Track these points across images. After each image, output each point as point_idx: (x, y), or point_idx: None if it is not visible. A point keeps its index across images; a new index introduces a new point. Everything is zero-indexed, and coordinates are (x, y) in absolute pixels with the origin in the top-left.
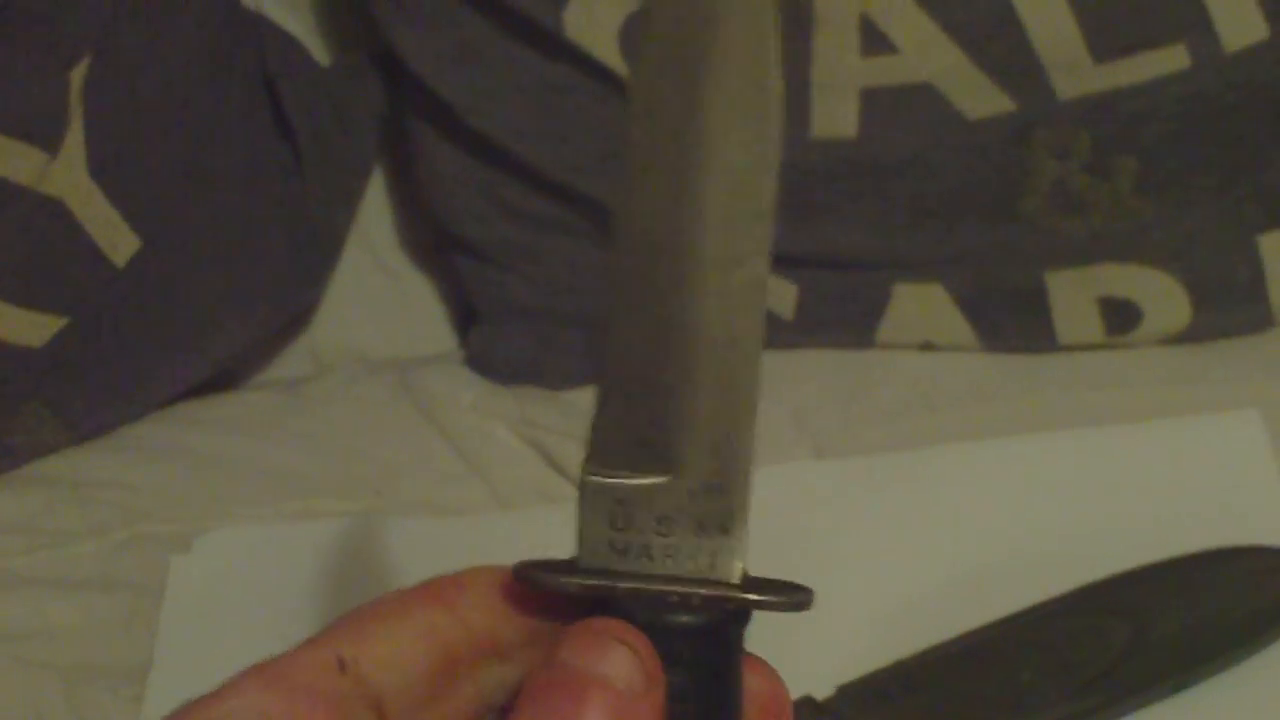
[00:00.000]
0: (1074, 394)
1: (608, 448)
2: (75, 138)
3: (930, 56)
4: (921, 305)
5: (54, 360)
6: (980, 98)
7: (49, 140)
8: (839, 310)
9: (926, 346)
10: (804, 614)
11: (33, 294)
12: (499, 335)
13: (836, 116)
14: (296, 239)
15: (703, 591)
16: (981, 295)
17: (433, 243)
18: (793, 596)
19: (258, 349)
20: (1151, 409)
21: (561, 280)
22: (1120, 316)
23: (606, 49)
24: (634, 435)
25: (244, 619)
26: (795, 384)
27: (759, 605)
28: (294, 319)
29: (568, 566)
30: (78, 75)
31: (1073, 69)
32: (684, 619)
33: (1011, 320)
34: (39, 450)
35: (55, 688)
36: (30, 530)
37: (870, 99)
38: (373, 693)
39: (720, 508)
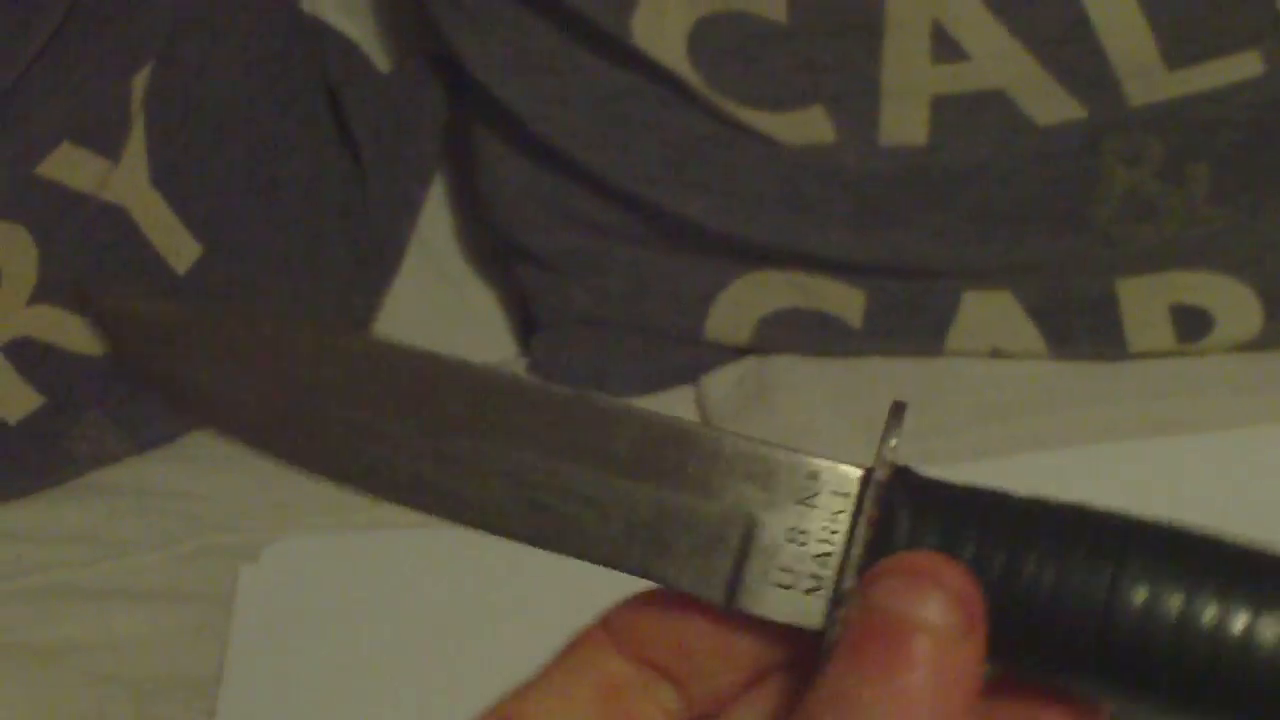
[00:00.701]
0: (1144, 403)
1: None
2: (137, 145)
3: (1001, 63)
4: (991, 313)
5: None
6: (1051, 105)
7: (111, 147)
8: (907, 318)
9: (996, 354)
10: None
11: None
12: (562, 343)
13: (906, 124)
14: (357, 246)
15: None
16: (1051, 303)
17: (494, 250)
18: None
19: None
20: (1223, 418)
21: (625, 288)
22: (1191, 324)
23: (675, 55)
24: None
25: (315, 629)
26: (864, 392)
27: None
28: (355, 325)
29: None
30: (140, 83)
31: (1145, 76)
32: None
33: (1082, 328)
34: (101, 459)
35: (124, 701)
36: (94, 541)
37: (940, 106)
38: None
39: None
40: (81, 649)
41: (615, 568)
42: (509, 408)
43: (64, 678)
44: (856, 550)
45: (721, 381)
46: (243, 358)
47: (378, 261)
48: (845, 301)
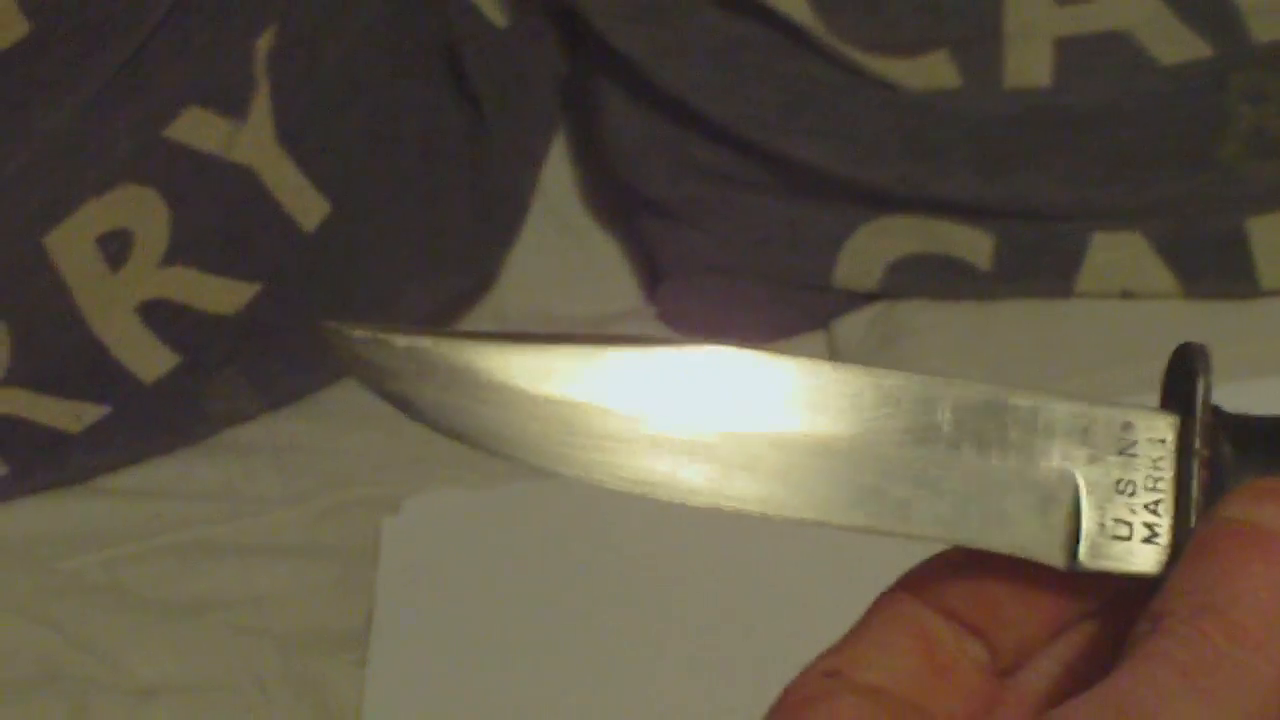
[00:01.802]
0: (1278, 339)
1: None
2: (262, 106)
3: (1125, 3)
4: (1120, 254)
5: (248, 327)
6: (1175, 44)
7: (237, 109)
8: (1036, 260)
9: (1126, 295)
10: None
11: (226, 262)
12: (688, 292)
13: (1030, 66)
14: (481, 202)
15: None
16: (1181, 242)
17: (616, 201)
18: None
19: (445, 311)
20: None
21: (750, 236)
22: None
23: (795, 3)
24: None
25: (460, 581)
26: (996, 335)
27: None
28: (480, 281)
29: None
30: (263, 44)
31: (1270, 12)
32: None
33: (1212, 266)
34: (235, 417)
35: (271, 654)
36: (231, 497)
37: (1064, 48)
38: (870, 687)
39: None
40: (224, 604)
41: (951, 542)
42: (804, 393)
43: (209, 632)
44: (1195, 491)
45: (852, 326)
46: (497, 382)
47: (501, 216)
48: (973, 245)
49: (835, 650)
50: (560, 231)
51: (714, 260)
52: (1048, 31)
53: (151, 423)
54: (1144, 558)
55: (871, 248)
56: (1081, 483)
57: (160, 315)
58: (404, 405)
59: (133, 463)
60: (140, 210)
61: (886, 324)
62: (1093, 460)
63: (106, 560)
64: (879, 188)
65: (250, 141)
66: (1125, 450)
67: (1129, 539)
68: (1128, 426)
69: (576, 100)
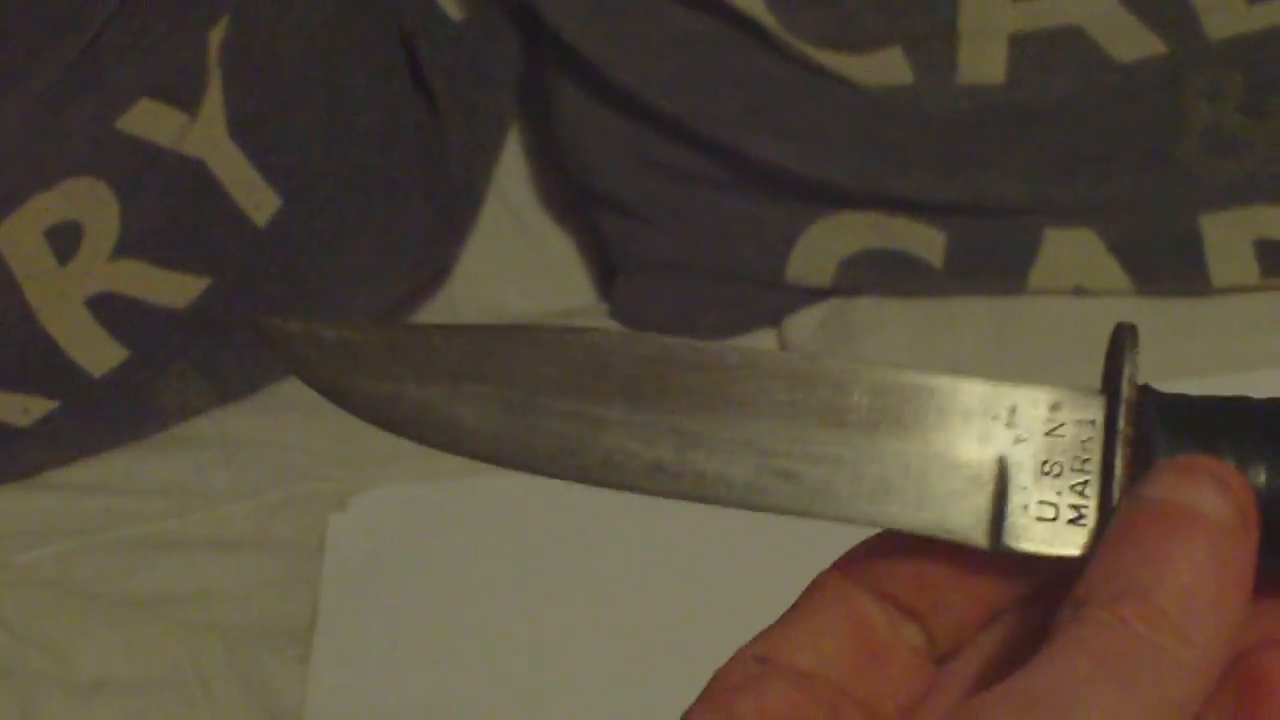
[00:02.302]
0: (1229, 338)
1: None
2: (214, 98)
3: (1080, 0)
4: (1073, 250)
5: (198, 321)
6: (1130, 41)
7: (189, 101)
8: (989, 257)
9: (1079, 292)
10: None
11: (176, 255)
12: (643, 289)
13: (985, 62)
14: (435, 196)
15: None
16: (1134, 239)
17: (571, 198)
18: None
19: (399, 306)
20: None
21: (705, 233)
22: (1276, 258)
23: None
24: None
25: (406, 576)
26: (948, 331)
27: None
28: (434, 276)
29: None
30: (216, 36)
31: (1225, 10)
32: None
33: (1165, 264)
34: (186, 411)
35: (217, 650)
36: (182, 492)
37: (1019, 44)
38: (800, 672)
39: None
40: (173, 599)
41: (873, 525)
42: (742, 380)
43: (157, 627)
44: (1119, 470)
45: (804, 323)
46: (450, 372)
47: (456, 211)
48: (927, 242)
49: (766, 635)
50: (515, 227)
51: (668, 256)
52: (1002, 28)
53: (101, 417)
54: (1069, 539)
55: (825, 244)
56: (1005, 464)
57: (110, 309)
58: (336, 397)
59: (82, 457)
60: (90, 203)
61: (839, 321)
62: (1018, 441)
63: (56, 554)
64: (834, 184)
65: (202, 134)
66: (1053, 431)
67: (1054, 520)
68: (1056, 407)
69: (532, 95)
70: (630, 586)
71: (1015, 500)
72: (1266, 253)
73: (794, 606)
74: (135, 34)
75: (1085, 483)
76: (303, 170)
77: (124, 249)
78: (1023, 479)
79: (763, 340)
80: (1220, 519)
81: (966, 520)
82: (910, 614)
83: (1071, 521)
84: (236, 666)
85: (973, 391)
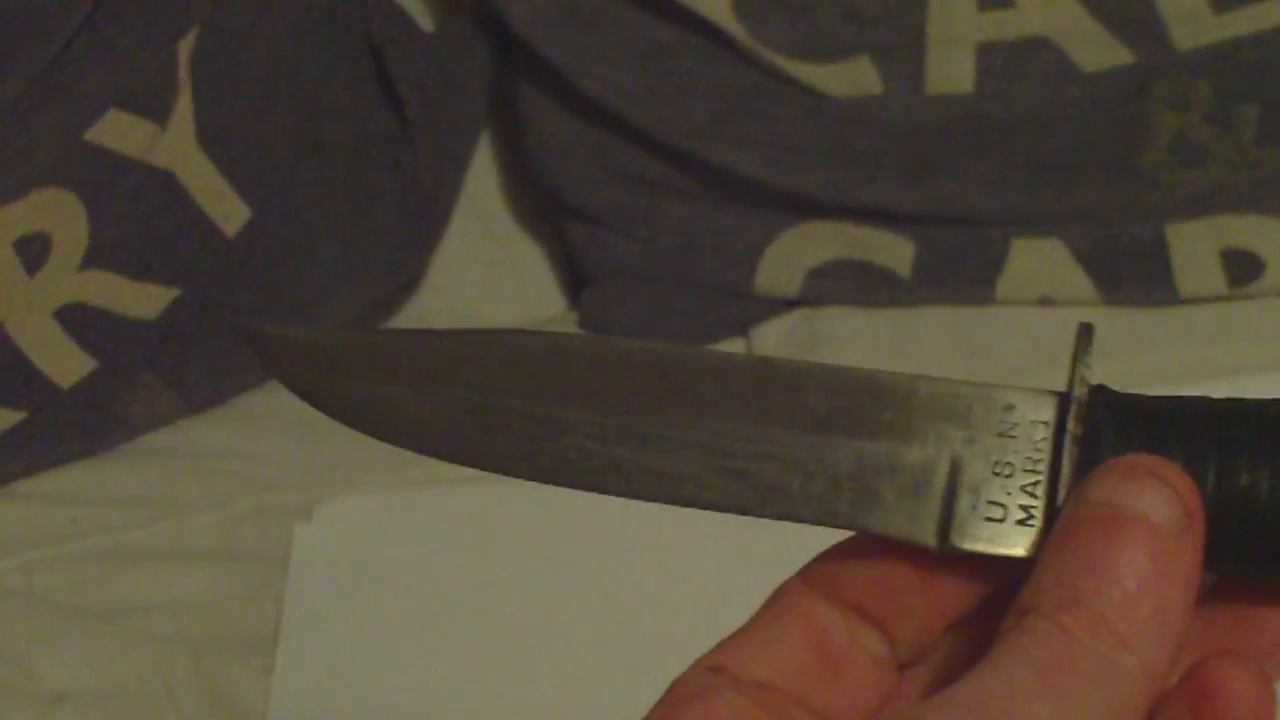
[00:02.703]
0: (1195, 348)
1: None
2: (184, 109)
3: (1047, 10)
4: (1040, 260)
5: (167, 331)
6: (1098, 51)
7: (158, 112)
8: (957, 266)
9: (1045, 301)
10: None
11: (144, 266)
12: (611, 299)
13: (952, 72)
14: (405, 206)
15: None
16: (1101, 249)
17: (541, 207)
18: None
19: (368, 315)
20: (1275, 361)
21: (673, 243)
22: (1242, 268)
23: (719, 8)
24: None
25: (370, 587)
26: (916, 341)
27: None
28: (404, 285)
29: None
30: (185, 47)
31: (1192, 19)
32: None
33: (1132, 274)
34: (154, 422)
35: (183, 660)
36: (149, 503)
37: (987, 54)
38: (755, 682)
39: None
40: (139, 610)
41: (823, 524)
42: (695, 380)
43: (123, 638)
44: (1066, 470)
45: (771, 334)
46: (419, 374)
47: (425, 220)
48: (894, 252)
49: (724, 644)
50: (484, 236)
51: (636, 266)
52: (970, 37)
53: (68, 428)
54: (1017, 540)
55: (792, 254)
56: (957, 464)
57: (78, 319)
58: (312, 398)
59: (49, 467)
60: (59, 214)
61: (806, 331)
62: (970, 441)
63: (22, 565)
64: (803, 194)
65: (171, 145)
66: (1005, 432)
67: (1003, 521)
68: (1009, 408)
69: (502, 104)
70: (598, 594)
71: (964, 500)
72: (1233, 262)
73: (755, 615)
74: (104, 45)
75: (1036, 483)
76: (272, 180)
77: (92, 260)
78: (973, 479)
79: (731, 349)
80: (1163, 522)
81: (915, 520)
82: (872, 621)
83: (1020, 522)
84: (202, 677)
85: (927, 392)
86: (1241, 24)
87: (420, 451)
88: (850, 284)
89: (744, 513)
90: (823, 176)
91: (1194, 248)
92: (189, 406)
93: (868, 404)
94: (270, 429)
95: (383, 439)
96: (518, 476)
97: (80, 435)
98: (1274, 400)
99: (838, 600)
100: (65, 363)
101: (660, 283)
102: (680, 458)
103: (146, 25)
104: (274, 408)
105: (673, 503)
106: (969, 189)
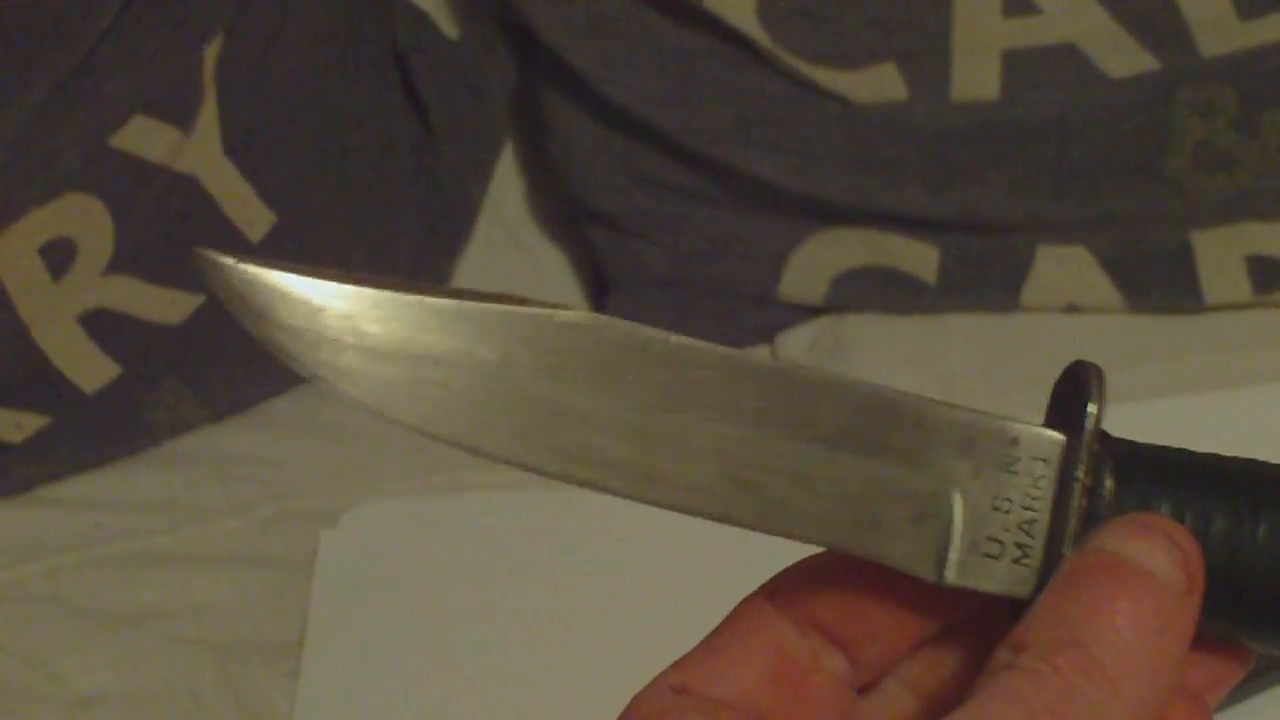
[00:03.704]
0: (1222, 355)
1: None
2: (209, 115)
3: (1073, 16)
4: (1066, 267)
5: (191, 337)
6: (1123, 57)
7: (183, 118)
8: (982, 273)
9: (1071, 309)
10: None
11: (169, 272)
12: (636, 305)
13: (978, 79)
14: (430, 213)
15: None
16: (1126, 256)
17: (565, 213)
18: None
19: None
20: None
21: (699, 248)
22: (1268, 275)
23: (744, 16)
24: None
25: (395, 593)
26: (941, 348)
27: None
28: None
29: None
30: (211, 54)
31: (1218, 26)
32: None
33: (1157, 281)
34: (179, 428)
35: (208, 665)
36: (174, 508)
37: (1012, 60)
38: (717, 701)
39: None
40: (164, 614)
41: (821, 544)
42: (714, 381)
43: (147, 643)
44: (1072, 519)
45: (796, 341)
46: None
47: (450, 227)
48: (919, 259)
49: (686, 661)
50: (508, 242)
51: (661, 272)
52: (995, 44)
53: (93, 433)
54: (1012, 579)
55: (817, 261)
56: (959, 496)
57: (102, 325)
58: (263, 338)
59: (74, 473)
60: (84, 219)
61: (831, 338)
62: (974, 474)
63: (47, 570)
64: (828, 200)
65: (196, 151)
66: (1008, 466)
67: (999, 558)
68: (1013, 442)
69: (526, 111)
70: (622, 602)
71: (963, 534)
72: (1258, 269)
73: (716, 632)
74: (129, 50)
75: (1033, 522)
76: (296, 186)
77: (117, 265)
78: (975, 513)
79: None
80: (1169, 580)
81: (916, 550)
82: (837, 643)
83: (1016, 560)
84: (227, 681)
85: (939, 418)
86: (1267, 31)
87: (349, 403)
88: (875, 291)
89: (747, 526)
90: (847, 183)
91: (1220, 255)
92: (213, 412)
93: (880, 425)
94: (295, 435)
95: (314, 380)
96: (513, 465)
97: (105, 440)
98: (1259, 462)
99: (802, 619)
100: (90, 368)
101: (685, 289)
102: (690, 463)
103: (171, 31)
104: (299, 413)
105: (680, 510)
106: (994, 195)
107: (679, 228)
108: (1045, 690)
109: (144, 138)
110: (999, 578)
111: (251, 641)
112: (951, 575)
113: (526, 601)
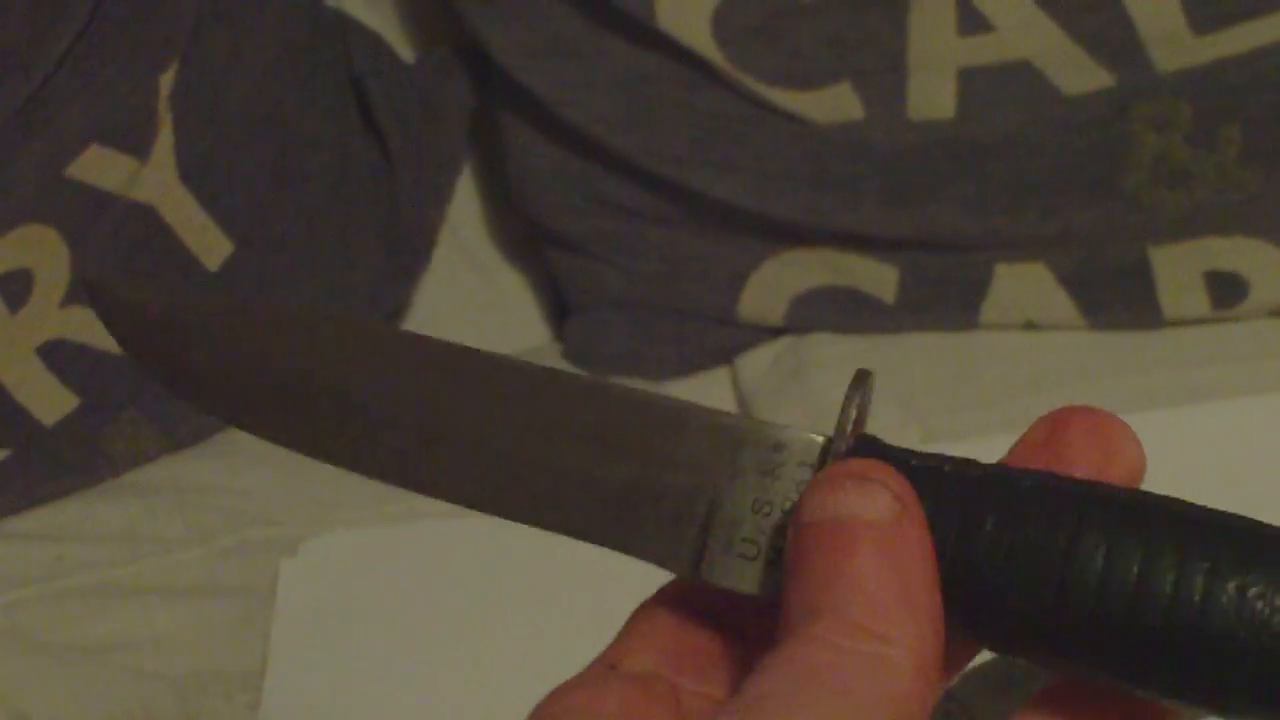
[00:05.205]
0: (1180, 370)
1: None
2: (165, 143)
3: (1027, 33)
4: (1024, 285)
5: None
6: (1078, 74)
7: (139, 147)
8: (941, 292)
9: (1030, 326)
10: None
11: None
12: (595, 327)
13: (934, 97)
14: (388, 237)
15: None
16: (1084, 273)
17: (524, 236)
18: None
19: None
20: (1260, 383)
21: (657, 270)
22: (1226, 290)
23: (699, 36)
24: None
25: (356, 622)
26: (900, 367)
27: None
28: (386, 317)
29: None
30: (166, 81)
31: (1172, 42)
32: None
33: (1116, 297)
34: (138, 458)
35: (168, 696)
36: (134, 539)
37: (968, 78)
38: (644, 674)
39: None
40: (124, 646)
41: (590, 541)
42: (486, 384)
43: (107, 675)
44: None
45: (756, 362)
46: (231, 342)
47: (408, 251)
48: (878, 278)
49: (554, 696)
50: (468, 266)
51: (620, 294)
52: (951, 62)
53: (52, 464)
54: (766, 580)
55: (777, 281)
56: (715, 498)
57: (61, 356)
58: (146, 364)
59: (33, 505)
60: (40, 250)
61: (792, 358)
62: (734, 477)
63: (7, 604)
64: (786, 220)
65: (152, 179)
66: (771, 471)
67: (754, 559)
68: (778, 447)
69: (483, 134)
70: (582, 627)
71: (719, 534)
72: (1217, 285)
73: (623, 629)
74: (85, 79)
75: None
76: (254, 213)
77: (75, 296)
78: (732, 515)
79: (716, 379)
80: (878, 516)
81: (673, 550)
82: (728, 626)
83: (771, 562)
84: (187, 713)
85: (700, 423)
86: (1222, 46)
87: (229, 422)
88: (834, 311)
89: (522, 521)
90: (805, 203)
91: (1178, 270)
92: (172, 442)
93: (640, 427)
94: (254, 464)
95: (194, 404)
96: (319, 459)
97: (64, 472)
98: (1031, 472)
99: (655, 649)
100: (48, 399)
101: (644, 311)
102: (466, 460)
103: (127, 59)
104: (258, 443)
105: (459, 504)
106: (952, 213)
107: (637, 249)
108: (818, 652)
109: (100, 167)
110: (752, 578)
111: (212, 672)
112: (705, 574)
113: (488, 628)
